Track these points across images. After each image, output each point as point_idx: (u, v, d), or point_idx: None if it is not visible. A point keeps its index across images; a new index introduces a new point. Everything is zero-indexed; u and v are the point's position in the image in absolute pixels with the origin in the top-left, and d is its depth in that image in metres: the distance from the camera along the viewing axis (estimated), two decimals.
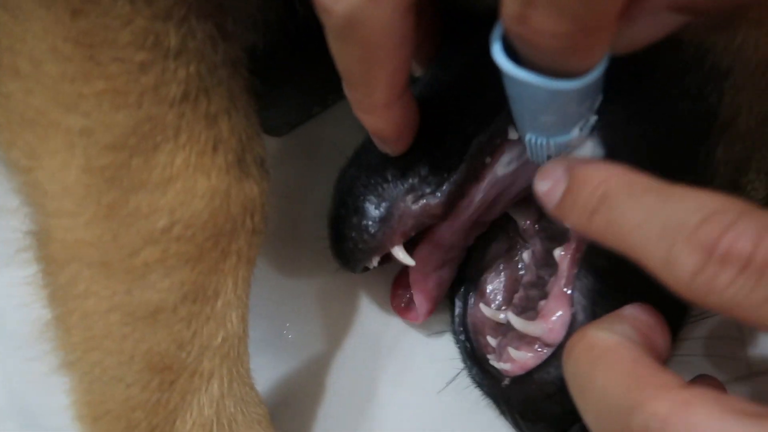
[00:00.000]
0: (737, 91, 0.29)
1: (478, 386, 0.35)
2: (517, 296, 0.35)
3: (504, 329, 0.34)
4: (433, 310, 0.37)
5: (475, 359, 0.35)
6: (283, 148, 0.42)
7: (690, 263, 0.21)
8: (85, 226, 0.27)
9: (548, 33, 0.21)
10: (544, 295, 0.32)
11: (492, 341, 0.34)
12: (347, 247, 0.33)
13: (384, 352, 0.39)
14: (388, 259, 0.34)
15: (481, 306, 0.36)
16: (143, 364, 0.28)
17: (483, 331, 0.36)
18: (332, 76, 0.41)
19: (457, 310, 0.36)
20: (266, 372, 0.35)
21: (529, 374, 0.30)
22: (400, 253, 0.32)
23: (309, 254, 0.41)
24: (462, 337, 0.36)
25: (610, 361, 0.24)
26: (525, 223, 0.36)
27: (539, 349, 0.31)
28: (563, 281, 0.30)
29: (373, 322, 0.40)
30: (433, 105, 0.31)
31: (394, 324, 0.40)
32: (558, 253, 0.31)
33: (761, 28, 0.28)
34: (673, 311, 0.31)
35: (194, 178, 0.28)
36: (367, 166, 0.32)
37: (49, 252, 0.28)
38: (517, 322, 0.31)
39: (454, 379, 0.38)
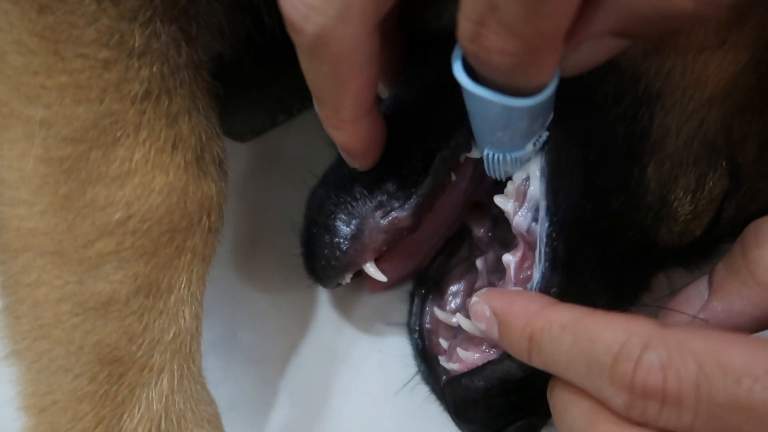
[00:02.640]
0: (666, 113, 0.31)
1: (426, 384, 0.36)
2: (470, 301, 0.36)
3: (455, 332, 0.35)
4: (388, 288, 0.38)
5: (425, 358, 0.36)
6: (245, 155, 0.43)
7: (619, 401, 0.24)
8: (40, 215, 0.27)
9: (499, 51, 0.23)
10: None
11: (444, 343, 0.35)
12: (320, 265, 0.33)
13: (337, 357, 0.40)
14: (359, 274, 0.35)
15: (435, 309, 0.37)
16: (92, 356, 0.28)
17: (437, 331, 0.37)
18: (298, 86, 0.42)
19: (414, 309, 0.37)
20: (218, 373, 0.35)
21: (458, 378, 0.31)
22: (371, 269, 0.33)
23: (265, 258, 0.41)
24: (416, 336, 0.37)
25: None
26: (479, 231, 0.37)
27: (486, 350, 0.32)
28: (511, 284, 0.32)
29: (328, 325, 0.40)
30: (397, 122, 0.32)
31: (348, 329, 0.40)
32: (506, 258, 0.32)
33: (687, 54, 0.31)
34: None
35: (152, 173, 0.29)
36: (336, 185, 0.33)
37: (3, 241, 0.28)
38: (464, 322, 0.32)
39: (409, 381, 0.38)
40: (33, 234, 0.28)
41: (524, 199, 0.31)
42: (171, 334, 0.31)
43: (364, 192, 0.32)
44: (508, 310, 0.28)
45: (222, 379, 0.37)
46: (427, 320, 0.37)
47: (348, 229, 0.32)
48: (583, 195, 0.30)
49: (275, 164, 0.43)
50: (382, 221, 0.32)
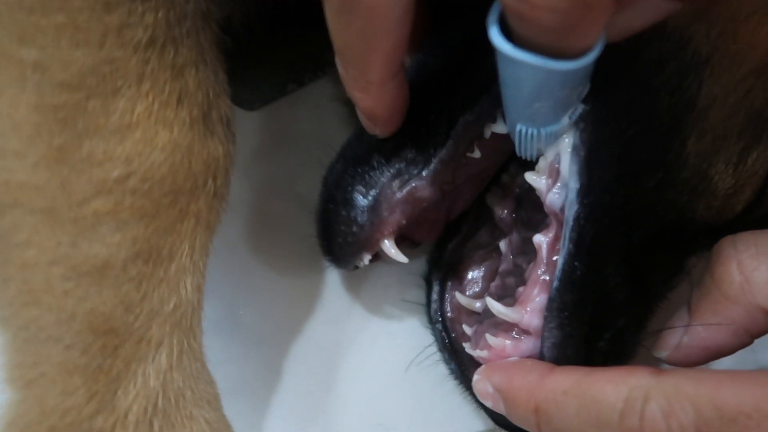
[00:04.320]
0: (714, 81, 0.29)
1: (455, 378, 0.34)
2: (493, 285, 0.34)
3: (480, 317, 0.33)
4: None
5: (452, 350, 0.34)
6: (252, 127, 0.41)
7: None
8: (32, 169, 0.25)
9: (547, 7, 0.21)
10: (522, 283, 0.32)
11: (468, 330, 0.34)
12: (337, 243, 0.32)
13: (345, 339, 0.38)
14: (378, 257, 0.33)
15: (457, 294, 0.35)
16: (85, 325, 0.26)
17: (459, 318, 0.35)
18: (310, 54, 0.40)
19: (434, 296, 0.36)
20: (218, 353, 0.33)
21: None
22: (391, 249, 0.31)
23: (271, 236, 0.39)
24: (439, 326, 0.35)
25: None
26: (502, 212, 0.35)
27: (516, 336, 0.30)
28: (542, 267, 0.30)
29: (335, 307, 0.38)
30: (420, 89, 0.30)
31: (356, 310, 0.38)
32: (538, 238, 0.30)
33: (738, 17, 0.29)
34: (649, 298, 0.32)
35: (155, 129, 0.26)
36: (354, 157, 0.32)
37: None
38: (494, 306, 0.30)
39: (417, 357, 0.36)
40: (23, 189, 0.25)
41: (557, 175, 0.29)
42: (171, 305, 0.28)
43: (382, 161, 0.31)
44: (509, 386, 0.29)
45: (222, 359, 0.35)
46: (448, 309, 0.35)
47: (365, 200, 0.30)
48: (618, 176, 0.29)
49: (284, 137, 0.41)
50: (399, 192, 0.30)
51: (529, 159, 0.30)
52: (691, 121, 0.29)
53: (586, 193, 0.28)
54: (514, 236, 0.34)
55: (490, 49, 0.24)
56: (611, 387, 0.26)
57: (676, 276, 0.33)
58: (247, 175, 0.39)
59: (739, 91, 0.29)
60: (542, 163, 0.29)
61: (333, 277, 0.39)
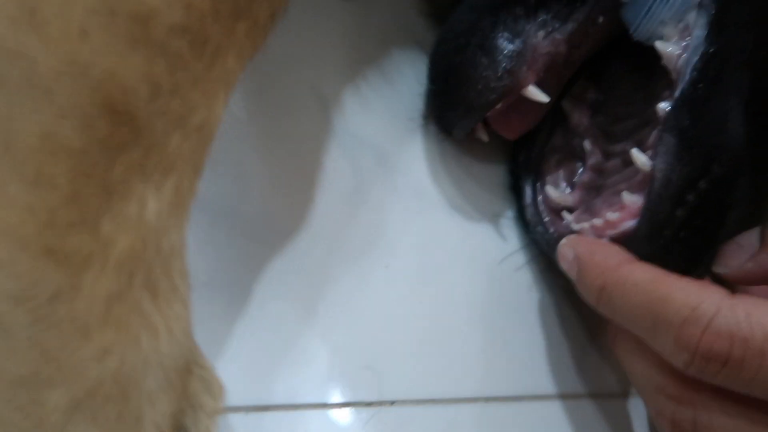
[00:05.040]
0: None
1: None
2: (582, 177, 0.35)
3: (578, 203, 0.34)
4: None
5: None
6: None
7: (681, 359, 0.26)
8: None
9: None
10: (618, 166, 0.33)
11: (568, 216, 0.34)
12: (475, 91, 0.31)
13: (343, 260, 0.32)
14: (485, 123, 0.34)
15: (548, 188, 0.35)
16: (95, 89, 0.18)
17: (554, 219, 0.35)
18: None
19: (528, 200, 0.36)
20: (198, 238, 0.25)
21: None
22: (534, 90, 0.31)
23: (282, 118, 0.32)
24: (540, 229, 0.35)
25: None
26: (580, 118, 0.35)
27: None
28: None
29: (337, 217, 0.32)
30: None
31: (357, 232, 0.32)
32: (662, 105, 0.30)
33: None
34: None
35: None
36: (492, 7, 0.31)
37: None
38: (637, 156, 0.30)
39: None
40: None
41: (687, 41, 0.29)
42: (198, 119, 0.21)
43: (527, 11, 0.30)
44: (588, 258, 0.30)
45: (203, 246, 0.27)
46: (543, 209, 0.35)
47: (513, 46, 0.30)
48: (747, 27, 0.29)
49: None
50: (545, 41, 0.31)
51: (642, 39, 0.30)
52: None
53: (714, 35, 0.28)
54: (596, 139, 0.35)
55: None
56: (683, 294, 0.26)
57: None
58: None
59: None
60: (671, 29, 0.29)
61: (342, 181, 0.33)
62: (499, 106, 0.32)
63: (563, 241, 0.32)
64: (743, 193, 0.30)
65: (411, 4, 0.38)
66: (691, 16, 0.29)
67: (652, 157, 0.29)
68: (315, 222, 0.32)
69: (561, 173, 0.36)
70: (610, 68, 0.35)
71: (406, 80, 0.36)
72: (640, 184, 0.31)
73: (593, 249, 0.30)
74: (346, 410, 0.31)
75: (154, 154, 0.19)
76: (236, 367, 0.28)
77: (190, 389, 0.24)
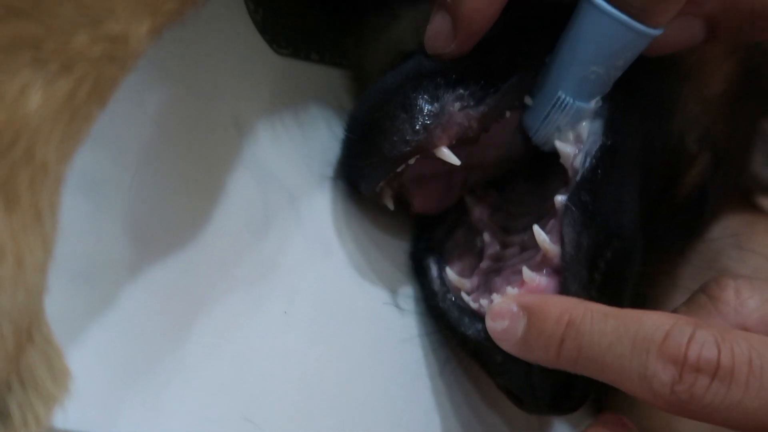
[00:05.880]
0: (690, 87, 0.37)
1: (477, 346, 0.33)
2: (481, 265, 0.36)
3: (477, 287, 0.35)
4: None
5: (473, 314, 0.33)
6: None
7: (668, 376, 0.24)
8: None
9: None
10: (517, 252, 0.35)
11: (466, 296, 0.34)
12: (388, 144, 0.32)
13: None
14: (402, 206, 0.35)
15: (448, 270, 0.35)
16: None
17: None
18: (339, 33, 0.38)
19: (434, 274, 0.36)
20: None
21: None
22: (446, 152, 0.32)
23: None
24: (450, 295, 0.35)
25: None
26: (481, 214, 0.37)
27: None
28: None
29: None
30: (497, 27, 0.32)
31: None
32: (559, 199, 0.32)
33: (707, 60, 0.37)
34: None
35: None
36: (416, 74, 0.33)
37: None
38: (538, 233, 0.31)
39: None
40: None
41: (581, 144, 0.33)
42: (114, 29, 0.19)
43: (448, 83, 0.32)
44: (542, 302, 0.29)
45: (84, 233, 0.23)
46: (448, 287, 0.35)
47: (431, 107, 0.32)
48: (633, 136, 0.33)
49: None
50: (459, 112, 0.32)
51: (540, 143, 0.33)
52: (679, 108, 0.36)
53: (609, 135, 0.32)
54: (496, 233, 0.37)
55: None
56: (657, 315, 0.25)
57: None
58: None
59: (698, 112, 0.38)
60: (566, 135, 0.33)
61: (247, 211, 0.30)
62: (411, 161, 0.33)
63: (498, 300, 0.31)
64: (634, 271, 0.33)
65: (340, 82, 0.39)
66: (587, 124, 0.33)
67: (551, 240, 0.32)
68: (212, 241, 0.29)
69: (461, 263, 0.37)
70: (509, 175, 0.38)
71: (320, 135, 0.36)
72: (539, 264, 0.32)
73: (544, 296, 0.30)
74: None
75: (53, 40, 0.17)
76: (85, 378, 0.24)
77: (27, 360, 0.19)
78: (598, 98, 0.32)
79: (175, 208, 0.28)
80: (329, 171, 0.36)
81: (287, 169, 0.34)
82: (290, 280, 0.31)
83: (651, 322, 0.25)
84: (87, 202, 0.26)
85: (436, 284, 0.36)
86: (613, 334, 0.26)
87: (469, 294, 0.34)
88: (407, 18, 0.35)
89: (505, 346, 0.29)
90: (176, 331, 0.27)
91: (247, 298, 0.30)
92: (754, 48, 0.40)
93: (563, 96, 0.31)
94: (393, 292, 0.36)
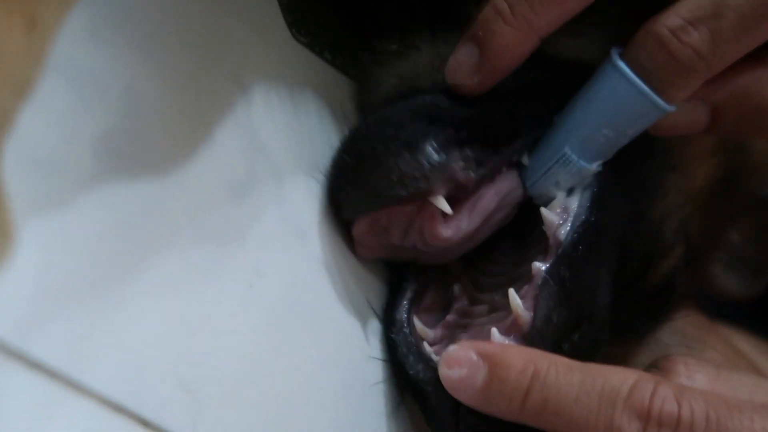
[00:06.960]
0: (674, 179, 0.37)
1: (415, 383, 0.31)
2: (447, 317, 0.34)
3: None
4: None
5: (420, 355, 0.32)
6: None
7: (633, 429, 0.25)
8: None
9: (693, 47, 0.27)
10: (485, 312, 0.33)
11: (427, 347, 0.32)
12: (385, 181, 0.30)
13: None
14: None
15: (415, 319, 0.34)
16: None
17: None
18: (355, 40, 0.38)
19: (405, 302, 0.34)
20: None
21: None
22: (445, 204, 0.31)
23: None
24: (403, 335, 0.33)
25: None
26: (453, 263, 0.35)
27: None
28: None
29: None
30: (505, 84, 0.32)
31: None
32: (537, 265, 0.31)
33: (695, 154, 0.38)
34: None
35: None
36: (427, 116, 0.31)
37: None
38: (514, 297, 0.30)
39: None
40: None
41: (567, 214, 0.32)
42: None
43: (458, 139, 0.31)
44: (504, 351, 0.28)
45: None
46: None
47: (438, 157, 0.30)
48: (618, 214, 0.34)
49: None
50: (462, 172, 0.31)
51: (534, 195, 0.33)
52: (659, 196, 0.37)
53: (594, 210, 0.32)
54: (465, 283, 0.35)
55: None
56: (621, 371, 0.27)
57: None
58: None
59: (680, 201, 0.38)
60: (557, 201, 0.32)
61: (230, 171, 0.28)
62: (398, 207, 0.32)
63: (453, 347, 0.29)
64: (599, 354, 0.33)
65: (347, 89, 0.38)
66: (576, 196, 0.33)
67: (525, 307, 0.30)
68: (188, 180, 0.27)
69: (429, 314, 0.35)
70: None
71: (315, 129, 0.35)
72: (509, 328, 0.31)
73: (503, 345, 0.29)
74: (131, 423, 0.22)
75: None
76: (17, 279, 0.20)
77: None
78: (600, 162, 0.32)
79: (158, 136, 0.26)
80: (319, 167, 0.34)
81: (278, 146, 0.32)
82: (260, 255, 0.28)
83: (616, 377, 0.26)
84: (70, 93, 0.23)
85: (400, 311, 0.34)
86: (579, 388, 0.26)
87: (431, 345, 0.32)
88: (427, 53, 0.35)
89: (462, 396, 0.28)
90: (129, 264, 0.23)
91: (211, 255, 0.26)
92: (735, 152, 0.42)
93: (569, 152, 0.31)
94: (365, 297, 0.33)
